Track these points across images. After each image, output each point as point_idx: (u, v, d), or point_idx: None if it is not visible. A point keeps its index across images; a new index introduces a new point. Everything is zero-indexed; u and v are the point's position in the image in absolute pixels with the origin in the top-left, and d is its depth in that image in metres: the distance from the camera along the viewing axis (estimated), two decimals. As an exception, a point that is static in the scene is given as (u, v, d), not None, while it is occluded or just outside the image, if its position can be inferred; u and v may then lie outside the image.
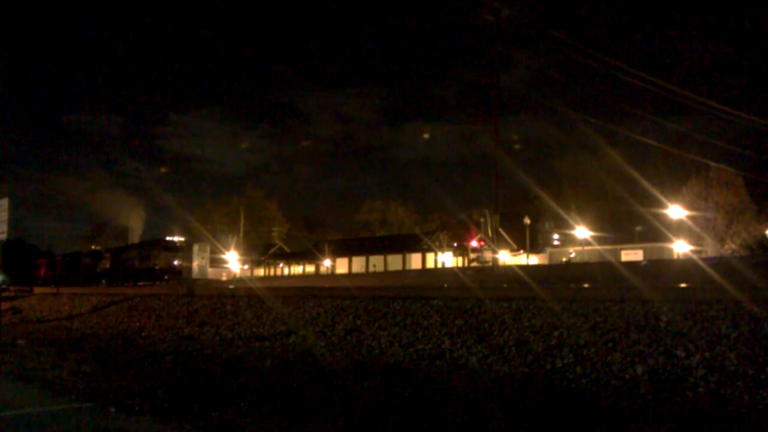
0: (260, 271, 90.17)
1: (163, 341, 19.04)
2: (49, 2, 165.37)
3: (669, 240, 62.27)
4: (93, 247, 71.98)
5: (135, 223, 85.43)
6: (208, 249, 52.38)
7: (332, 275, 64.49)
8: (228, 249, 73.24)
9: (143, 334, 21.19)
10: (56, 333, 22.65)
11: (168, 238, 54.85)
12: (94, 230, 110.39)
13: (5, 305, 28.74)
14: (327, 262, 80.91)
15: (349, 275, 57.76)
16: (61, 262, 63.69)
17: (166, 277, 48.83)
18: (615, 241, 67.07)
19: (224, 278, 64.46)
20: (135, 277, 51.00)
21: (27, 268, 64.97)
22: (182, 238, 55.10)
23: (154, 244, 54.40)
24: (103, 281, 53.11)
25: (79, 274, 57.92)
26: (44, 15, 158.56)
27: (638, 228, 65.74)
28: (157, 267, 50.54)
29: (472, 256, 63.40)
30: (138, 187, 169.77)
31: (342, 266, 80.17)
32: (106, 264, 57.01)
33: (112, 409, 9.76)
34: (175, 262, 51.77)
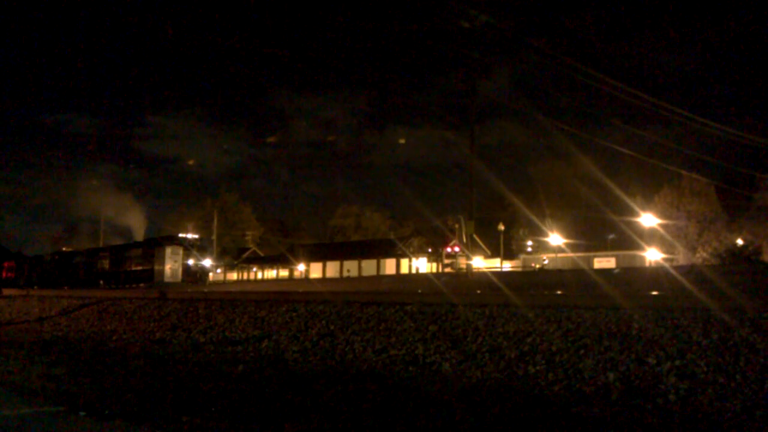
0: (233, 275, 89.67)
1: (134, 345, 18.86)
2: (26, 3, 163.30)
3: (641, 248, 63.06)
4: (64, 248, 69.90)
5: (136, 222, 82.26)
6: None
7: (306, 280, 64.19)
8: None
9: (114, 337, 20.96)
10: (25, 336, 22.34)
11: (181, 235, 50.62)
12: (67, 230, 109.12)
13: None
14: (301, 267, 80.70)
15: (323, 280, 57.51)
16: (50, 263, 58.57)
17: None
18: (588, 249, 67.71)
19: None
20: (140, 279, 46.11)
21: None
22: (196, 236, 50.88)
23: (165, 241, 49.09)
24: (101, 282, 48.84)
25: (72, 276, 52.79)
26: (20, 15, 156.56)
27: (611, 236, 66.47)
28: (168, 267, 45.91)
29: (447, 261, 63.42)
30: (114, 188, 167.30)
31: (316, 271, 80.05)
32: (105, 264, 51.78)
33: (83, 413, 9.64)
34: (190, 262, 47.51)
